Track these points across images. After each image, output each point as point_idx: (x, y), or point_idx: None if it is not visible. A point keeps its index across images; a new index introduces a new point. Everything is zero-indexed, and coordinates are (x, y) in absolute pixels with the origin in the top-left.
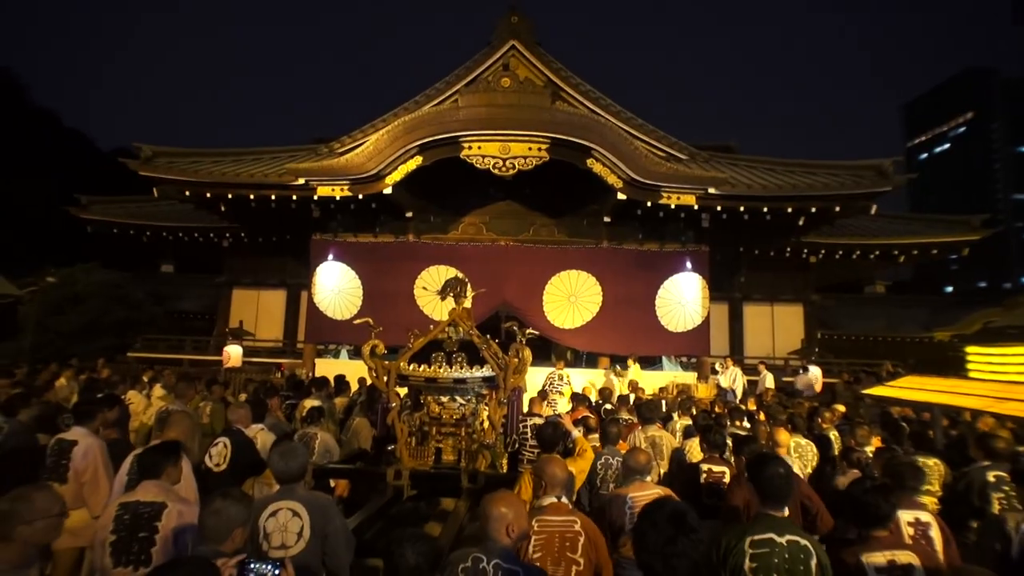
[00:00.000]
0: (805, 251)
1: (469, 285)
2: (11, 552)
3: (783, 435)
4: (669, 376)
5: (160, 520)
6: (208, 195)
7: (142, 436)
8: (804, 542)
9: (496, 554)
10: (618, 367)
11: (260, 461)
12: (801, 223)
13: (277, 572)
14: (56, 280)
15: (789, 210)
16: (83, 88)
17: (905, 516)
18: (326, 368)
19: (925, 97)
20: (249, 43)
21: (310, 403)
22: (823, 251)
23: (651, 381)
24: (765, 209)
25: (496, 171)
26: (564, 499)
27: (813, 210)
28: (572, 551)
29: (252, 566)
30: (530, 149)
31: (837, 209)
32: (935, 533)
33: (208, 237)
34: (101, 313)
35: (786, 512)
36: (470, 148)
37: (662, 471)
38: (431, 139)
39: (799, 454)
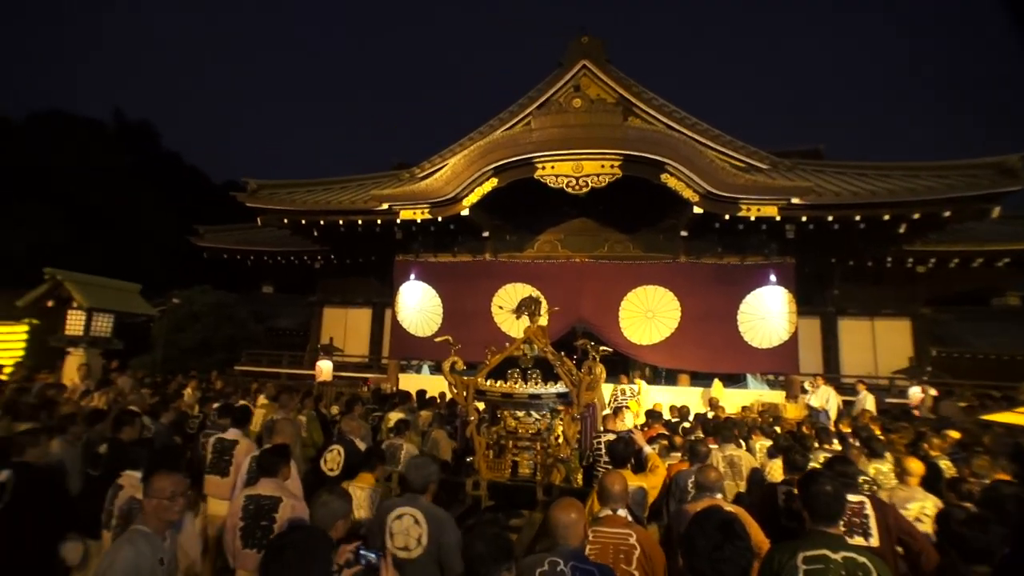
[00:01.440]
0: (911, 260)
1: (543, 303)
2: (149, 519)
3: (914, 464)
4: (755, 395)
5: (277, 512)
6: (303, 222)
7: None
8: (862, 559)
9: (571, 556)
10: (631, 385)
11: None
12: (902, 231)
13: (380, 555)
14: (179, 301)
15: (886, 217)
16: (197, 129)
17: None
18: (408, 383)
19: None
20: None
21: (395, 416)
22: (933, 260)
23: (735, 400)
24: (857, 217)
25: (570, 189)
26: (622, 512)
27: (916, 216)
28: (627, 563)
29: (362, 552)
30: (603, 167)
31: (947, 214)
32: None
33: (302, 260)
34: (213, 331)
35: (840, 529)
36: (543, 168)
37: (740, 490)
38: (506, 161)
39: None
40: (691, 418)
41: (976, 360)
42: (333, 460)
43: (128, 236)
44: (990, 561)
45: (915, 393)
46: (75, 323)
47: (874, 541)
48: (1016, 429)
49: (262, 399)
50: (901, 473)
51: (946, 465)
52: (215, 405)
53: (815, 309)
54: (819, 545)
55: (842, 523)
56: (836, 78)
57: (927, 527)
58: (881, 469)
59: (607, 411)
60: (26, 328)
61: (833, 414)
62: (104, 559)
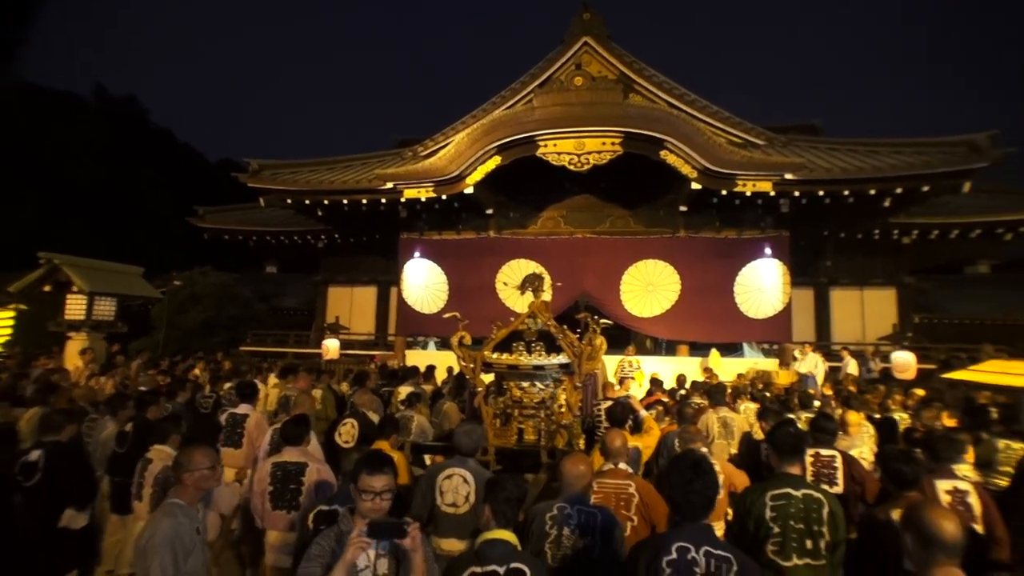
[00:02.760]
0: (896, 232)
1: (547, 279)
2: (184, 493)
3: (852, 415)
4: (749, 363)
5: (304, 476)
6: (307, 202)
7: (267, 416)
8: (817, 495)
9: (576, 501)
10: (633, 358)
11: (374, 437)
12: (887, 204)
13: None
14: (180, 282)
15: (872, 192)
16: (189, 105)
17: (943, 485)
18: (415, 359)
19: None
20: (343, 67)
21: (405, 389)
22: (916, 231)
23: (731, 368)
24: (846, 192)
25: (572, 167)
26: (623, 465)
27: (898, 191)
28: (626, 509)
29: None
30: (604, 144)
31: (925, 189)
32: (973, 500)
33: (306, 239)
34: (216, 311)
35: (799, 469)
36: (546, 146)
37: (732, 450)
38: (508, 139)
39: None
40: (687, 385)
41: (952, 325)
42: (348, 432)
43: (117, 216)
44: (917, 487)
45: (902, 358)
46: (76, 307)
47: (838, 488)
48: (972, 385)
49: (272, 378)
50: (843, 424)
51: (901, 417)
52: (227, 384)
53: (809, 280)
54: (783, 485)
55: (812, 472)
56: (837, 51)
57: (867, 466)
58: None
59: (613, 381)
60: (13, 314)
61: (820, 379)
62: (146, 531)
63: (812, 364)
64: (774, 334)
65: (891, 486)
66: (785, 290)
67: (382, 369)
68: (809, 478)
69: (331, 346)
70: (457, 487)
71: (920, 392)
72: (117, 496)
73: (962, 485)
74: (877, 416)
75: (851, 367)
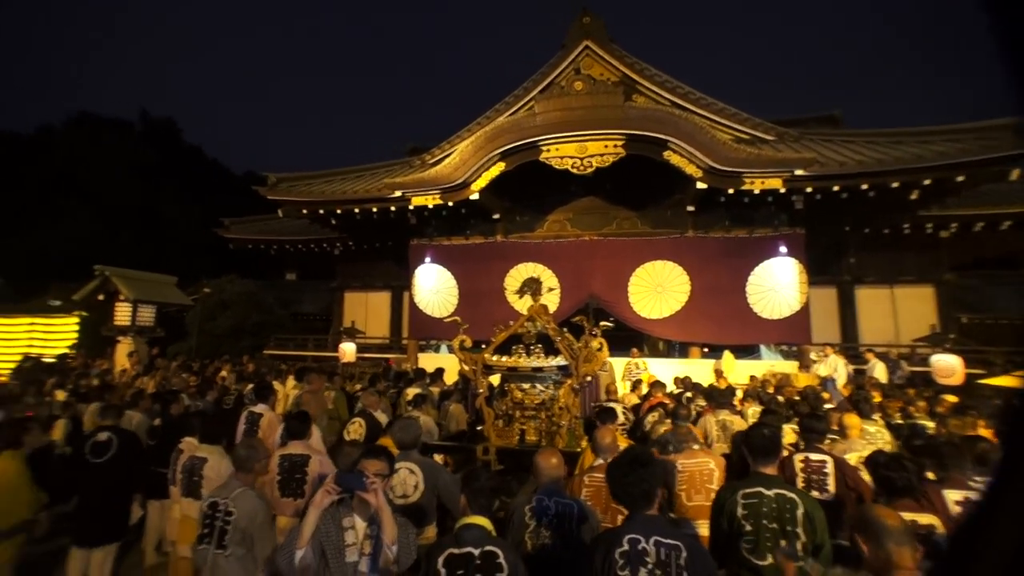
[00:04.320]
0: (930, 226)
1: (543, 283)
2: (248, 478)
3: (852, 419)
4: (766, 365)
5: (308, 466)
6: (321, 212)
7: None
8: (791, 495)
9: (553, 493)
10: (640, 360)
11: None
12: (915, 197)
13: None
14: (210, 290)
15: (895, 185)
16: (216, 122)
17: (953, 495)
18: (428, 362)
19: None
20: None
21: (412, 391)
22: (955, 224)
23: (746, 370)
24: (865, 186)
25: (575, 170)
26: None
27: (927, 183)
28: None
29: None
30: (606, 147)
31: (960, 179)
32: None
33: (323, 247)
34: (242, 317)
35: (773, 470)
36: (548, 151)
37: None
38: (511, 146)
39: (868, 440)
40: (682, 387)
41: (1010, 326)
42: (356, 431)
43: (155, 228)
44: (912, 495)
45: (945, 362)
46: (123, 314)
47: (828, 495)
48: (1007, 391)
49: (291, 380)
50: (841, 428)
51: (927, 424)
52: (249, 385)
53: (831, 278)
54: (756, 484)
55: (801, 479)
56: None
57: (864, 474)
58: (868, 429)
59: (620, 384)
60: (77, 320)
61: (841, 382)
62: (240, 507)
63: (832, 367)
64: (791, 335)
65: (882, 493)
66: (802, 289)
67: (385, 372)
68: (800, 484)
69: (348, 349)
70: (405, 479)
71: (952, 399)
72: (153, 483)
73: (977, 497)
74: (899, 422)
75: (878, 370)
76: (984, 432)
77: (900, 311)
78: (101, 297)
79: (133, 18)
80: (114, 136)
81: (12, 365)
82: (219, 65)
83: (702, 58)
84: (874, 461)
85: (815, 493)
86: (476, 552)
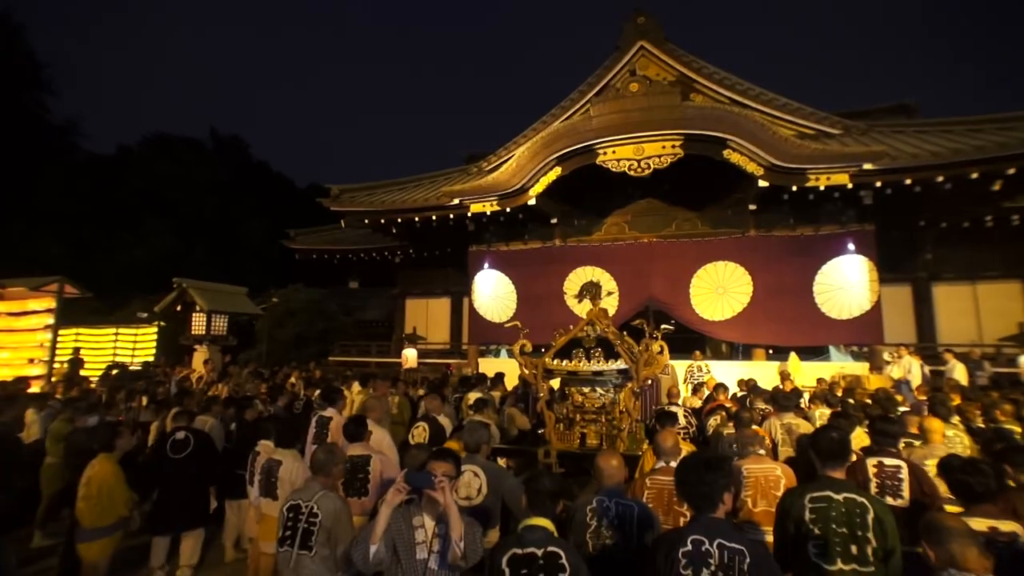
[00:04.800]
0: (1016, 217)
1: (602, 287)
2: (328, 481)
3: (934, 422)
4: (836, 367)
5: (369, 466)
6: (382, 221)
7: None
8: (861, 499)
9: (614, 495)
10: (703, 363)
11: (445, 438)
12: (998, 188)
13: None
14: (277, 300)
15: (974, 176)
16: (282, 137)
17: None
18: (488, 366)
19: None
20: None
21: (474, 395)
22: None
23: (813, 372)
24: (940, 178)
25: (632, 172)
26: (673, 463)
27: (1011, 172)
28: (679, 505)
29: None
30: (664, 148)
31: None
32: None
33: (384, 255)
34: (308, 325)
35: (842, 474)
36: (605, 154)
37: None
38: (568, 150)
39: (947, 445)
40: (746, 391)
41: None
42: (420, 435)
43: (227, 241)
44: (992, 500)
45: None
46: (199, 324)
47: (903, 502)
48: None
49: (356, 385)
50: (922, 432)
51: (1015, 429)
52: (317, 391)
53: (905, 276)
54: (824, 487)
55: (875, 484)
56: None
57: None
58: (946, 434)
59: (682, 388)
60: (155, 329)
61: (916, 383)
62: (325, 508)
63: (906, 368)
64: (862, 336)
65: (959, 499)
66: (873, 288)
67: (444, 378)
68: (873, 489)
69: (410, 355)
70: (469, 481)
71: None
72: (230, 484)
73: None
74: (982, 426)
75: (957, 372)
76: None
77: (983, 309)
78: (179, 308)
79: (178, 42)
80: (189, 154)
81: (100, 373)
82: (281, 87)
83: (767, 58)
84: (948, 465)
85: (888, 499)
86: (539, 552)
